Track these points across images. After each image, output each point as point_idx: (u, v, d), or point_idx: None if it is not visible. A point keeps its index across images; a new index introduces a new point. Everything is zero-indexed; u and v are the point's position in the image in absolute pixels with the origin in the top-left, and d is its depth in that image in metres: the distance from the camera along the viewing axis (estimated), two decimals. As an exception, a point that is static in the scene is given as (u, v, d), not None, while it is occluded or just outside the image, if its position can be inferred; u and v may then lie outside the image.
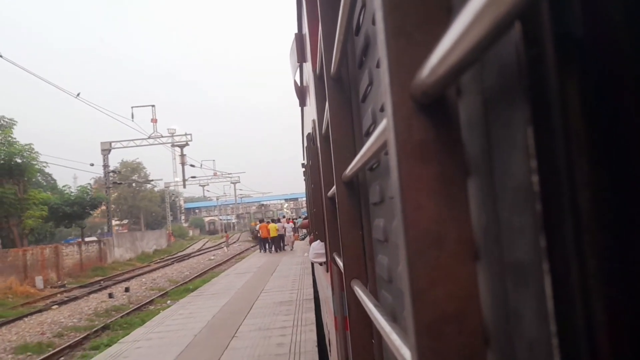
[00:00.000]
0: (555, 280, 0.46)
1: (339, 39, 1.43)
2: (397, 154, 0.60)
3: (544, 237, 0.46)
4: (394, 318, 1.22)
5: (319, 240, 4.67)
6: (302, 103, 6.80)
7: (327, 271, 3.54)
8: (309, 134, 4.60)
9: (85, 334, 13.53)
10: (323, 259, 4.08)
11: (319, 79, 2.50)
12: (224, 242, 48.45)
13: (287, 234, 30.47)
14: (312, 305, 10.38)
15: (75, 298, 20.48)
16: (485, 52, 0.47)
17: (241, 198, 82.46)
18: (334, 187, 1.79)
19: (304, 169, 11.04)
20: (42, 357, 11.67)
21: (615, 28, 0.42)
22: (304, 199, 27.84)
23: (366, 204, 1.78)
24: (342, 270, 1.77)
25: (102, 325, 14.52)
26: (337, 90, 1.78)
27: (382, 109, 1.29)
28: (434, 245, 0.59)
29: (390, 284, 1.43)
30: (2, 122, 28.93)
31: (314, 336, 7.92)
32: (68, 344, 12.66)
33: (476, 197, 0.63)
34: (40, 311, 17.83)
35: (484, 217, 0.62)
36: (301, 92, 6.44)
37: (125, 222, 60.71)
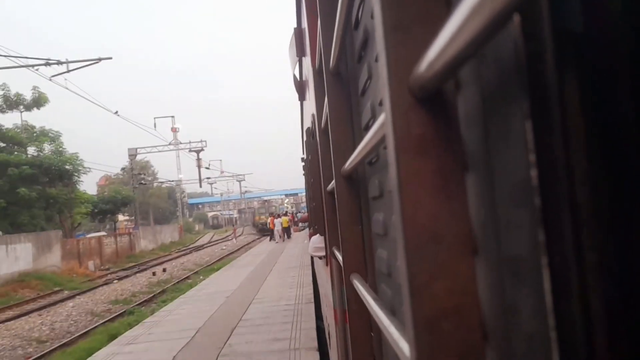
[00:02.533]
0: (554, 274, 0.46)
1: (337, 34, 1.42)
2: (396, 148, 0.60)
3: (543, 231, 0.46)
4: (393, 312, 1.22)
5: (318, 235, 4.80)
6: (302, 97, 6.84)
7: (327, 265, 3.63)
8: (308, 128, 4.64)
9: (152, 295, 19.29)
10: (322, 253, 4.24)
11: (318, 74, 2.49)
12: (230, 234, 54.18)
13: (276, 227, 36.74)
14: (310, 267, 16.19)
15: (127, 276, 26.29)
16: (483, 46, 0.47)
17: (244, 194, 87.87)
18: (334, 181, 1.79)
19: (303, 164, 10.96)
20: (131, 305, 17.48)
21: (614, 23, 0.42)
22: (304, 193, 29.55)
23: (365, 198, 1.78)
24: (342, 264, 1.77)
25: (160, 290, 20.32)
26: (336, 84, 1.78)
27: (381, 103, 1.28)
28: (432, 240, 0.59)
29: (390, 278, 1.43)
30: (50, 134, 34.69)
31: (310, 277, 13.78)
32: (144, 299, 18.48)
33: (474, 191, 0.63)
34: (106, 284, 23.73)
35: (482, 212, 0.62)
36: (300, 87, 6.49)
37: (133, 217, 65.86)
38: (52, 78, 26.68)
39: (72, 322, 15.33)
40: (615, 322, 0.42)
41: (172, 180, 70.49)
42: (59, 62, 26.47)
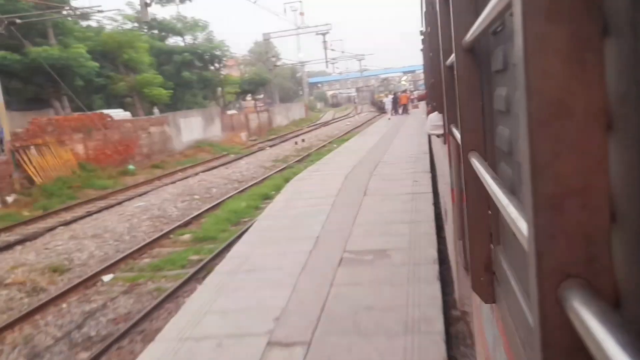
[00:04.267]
0: None
1: None
2: (523, 12, 0.54)
3: None
4: (512, 191, 1.18)
5: (436, 112, 4.67)
6: None
7: (445, 143, 3.61)
8: None
9: (301, 157, 24.29)
10: (441, 131, 4.17)
11: None
12: (351, 112, 58.85)
13: (386, 106, 40.25)
14: (427, 136, 20.29)
15: (274, 145, 32.04)
16: None
17: (362, 72, 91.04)
18: (453, 54, 1.69)
19: (422, 38, 10.45)
20: (287, 164, 22.47)
21: None
22: (422, 70, 28.93)
23: (487, 72, 1.65)
24: (460, 143, 1.71)
25: (306, 154, 25.53)
26: None
27: None
28: (559, 114, 0.55)
29: (510, 157, 1.37)
30: (199, 24, 40.32)
31: (426, 139, 18.01)
32: (296, 160, 23.66)
33: (615, 61, 0.54)
34: (260, 150, 29.56)
35: (623, 84, 0.54)
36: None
37: (261, 96, 72.62)
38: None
39: (252, 172, 21.06)
40: None
41: (300, 62, 75.17)
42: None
